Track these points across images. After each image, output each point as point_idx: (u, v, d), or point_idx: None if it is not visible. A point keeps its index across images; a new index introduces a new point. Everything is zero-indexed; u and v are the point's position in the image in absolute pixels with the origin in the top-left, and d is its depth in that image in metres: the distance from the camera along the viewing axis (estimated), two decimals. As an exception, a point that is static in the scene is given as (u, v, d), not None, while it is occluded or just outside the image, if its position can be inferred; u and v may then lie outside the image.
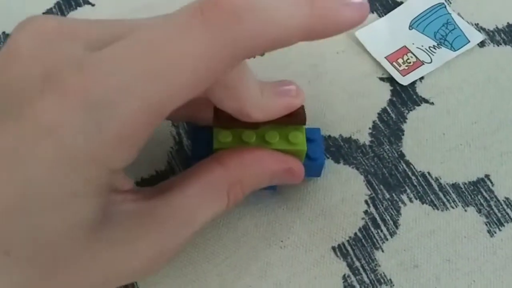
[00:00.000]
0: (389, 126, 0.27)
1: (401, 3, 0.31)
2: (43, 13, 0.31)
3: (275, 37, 0.16)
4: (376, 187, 0.25)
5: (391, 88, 0.28)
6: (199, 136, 0.24)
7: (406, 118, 0.27)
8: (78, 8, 0.32)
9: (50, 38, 0.16)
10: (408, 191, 0.25)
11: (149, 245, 0.18)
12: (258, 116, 0.20)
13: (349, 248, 0.24)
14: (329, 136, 0.27)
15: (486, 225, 0.24)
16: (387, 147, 0.26)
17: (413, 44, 0.29)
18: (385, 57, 0.29)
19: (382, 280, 0.23)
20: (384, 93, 0.28)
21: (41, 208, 0.15)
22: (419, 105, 0.28)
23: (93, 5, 0.32)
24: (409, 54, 0.29)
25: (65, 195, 0.15)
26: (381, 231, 0.24)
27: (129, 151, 0.16)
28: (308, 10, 0.16)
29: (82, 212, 0.16)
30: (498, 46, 0.29)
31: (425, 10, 0.30)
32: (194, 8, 0.15)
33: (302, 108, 0.22)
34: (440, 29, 0.30)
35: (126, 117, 0.15)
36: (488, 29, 0.30)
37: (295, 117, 0.22)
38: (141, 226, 0.18)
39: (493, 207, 0.25)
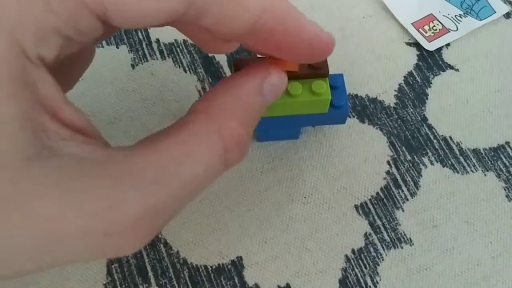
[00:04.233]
0: (414, 90, 0.27)
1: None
2: None
3: None
4: (399, 148, 0.26)
5: (418, 53, 0.28)
6: None
7: (431, 83, 0.27)
8: None
9: None
10: (430, 154, 0.26)
11: (96, 201, 0.13)
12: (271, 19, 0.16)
13: (371, 207, 0.24)
14: (356, 95, 0.27)
15: (505, 190, 0.25)
16: (411, 110, 0.27)
17: (439, 12, 0.29)
18: (411, 23, 0.29)
19: (402, 239, 0.24)
20: (410, 57, 0.28)
21: None
22: (444, 70, 0.28)
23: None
24: (435, 22, 0.29)
25: None
26: (402, 191, 0.25)
27: (43, 24, 0.13)
28: None
29: None
30: (523, 18, 0.30)
31: (452, -21, 0.30)
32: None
33: (324, 60, 0.22)
34: (467, -2, 0.30)
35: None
36: (514, 1, 0.30)
37: (318, 70, 0.21)
38: (88, 175, 0.14)
39: (513, 173, 0.25)
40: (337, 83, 0.23)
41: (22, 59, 0.13)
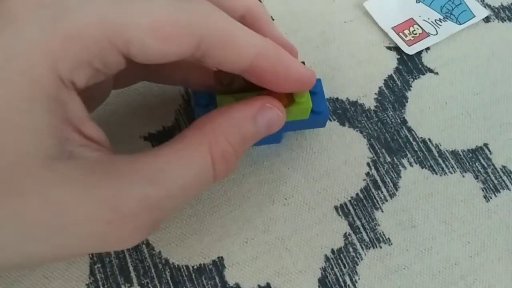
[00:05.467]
0: (394, 93, 0.28)
1: (410, -23, 0.31)
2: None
3: None
4: (378, 150, 0.26)
5: (398, 56, 0.29)
6: (202, 104, 0.23)
7: (411, 86, 0.28)
8: None
9: None
10: (409, 155, 0.26)
11: (101, 193, 0.16)
12: (271, 69, 0.19)
13: (350, 208, 0.25)
14: (337, 98, 0.27)
15: (483, 190, 0.25)
16: (391, 112, 0.27)
17: (419, 16, 0.30)
18: (392, 28, 0.29)
19: (381, 239, 0.24)
20: (390, 61, 0.28)
21: None
22: (424, 74, 0.28)
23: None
24: (415, 26, 0.29)
25: (8, 104, 0.15)
26: (382, 192, 0.25)
27: (79, 58, 0.16)
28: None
29: (30, 129, 0.15)
30: (502, 22, 0.30)
31: (433, -15, 0.31)
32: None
33: None
34: (447, 3, 0.30)
35: (82, 21, 0.16)
36: (493, 6, 0.31)
37: None
38: (97, 173, 0.16)
39: (490, 174, 0.26)
40: (315, 88, 0.24)
41: (58, 83, 0.16)
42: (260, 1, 0.21)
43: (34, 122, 0.16)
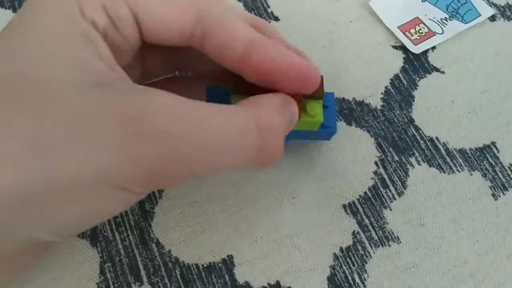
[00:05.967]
0: (401, 92, 0.28)
1: (415, -23, 0.32)
2: None
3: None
4: (386, 149, 0.26)
5: (404, 56, 0.29)
6: (215, 98, 0.23)
7: (417, 85, 0.28)
8: None
9: None
10: (417, 154, 0.26)
11: (127, 110, 0.16)
12: (265, 55, 0.19)
13: (359, 206, 0.25)
14: (343, 98, 0.27)
15: (491, 189, 0.25)
16: (398, 111, 0.27)
17: (425, 15, 0.30)
18: (397, 27, 0.29)
19: (390, 237, 0.24)
20: (397, 60, 0.29)
21: None
22: (430, 73, 0.28)
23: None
24: (421, 25, 0.29)
25: (51, 38, 0.17)
26: (390, 191, 0.25)
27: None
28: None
29: (69, 60, 0.17)
30: (508, 21, 0.30)
31: (438, -16, 0.31)
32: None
33: (321, 81, 0.22)
34: (452, 2, 0.30)
35: None
36: (499, 5, 0.31)
37: (314, 92, 0.22)
38: (126, 94, 0.17)
39: (498, 172, 0.26)
40: (327, 102, 0.23)
41: (87, 23, 0.17)
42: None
43: (73, 54, 0.17)
